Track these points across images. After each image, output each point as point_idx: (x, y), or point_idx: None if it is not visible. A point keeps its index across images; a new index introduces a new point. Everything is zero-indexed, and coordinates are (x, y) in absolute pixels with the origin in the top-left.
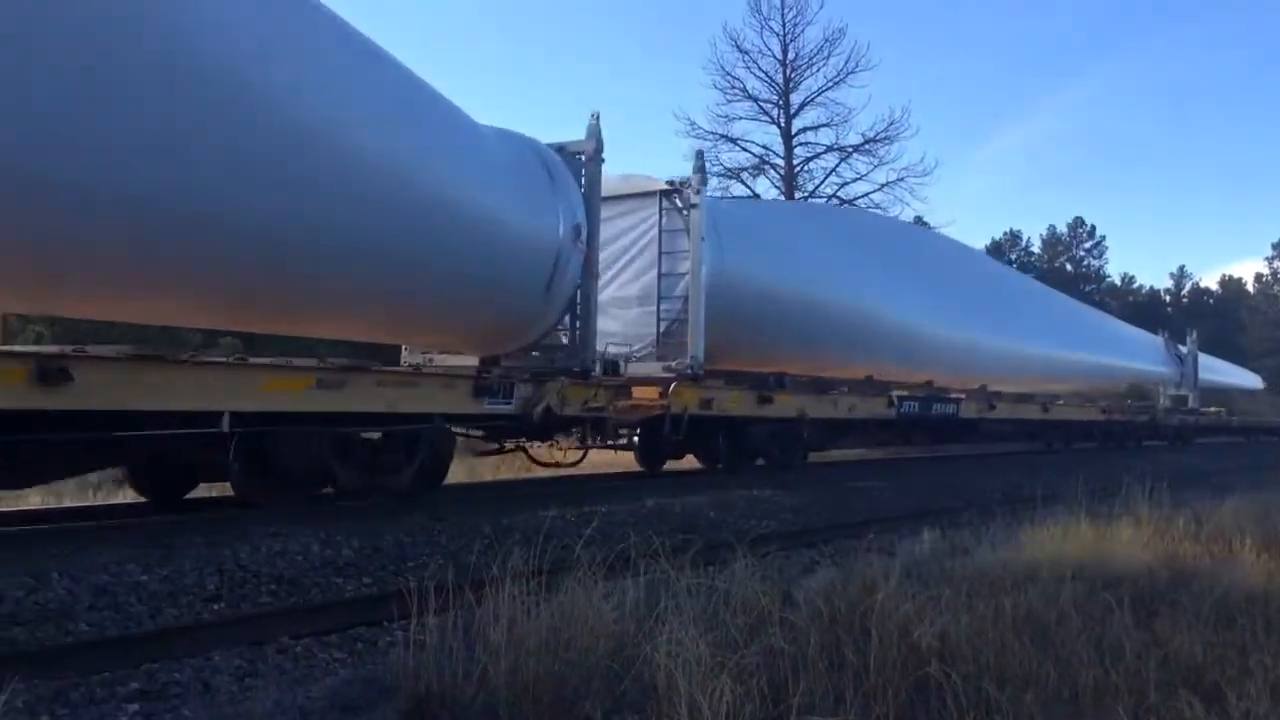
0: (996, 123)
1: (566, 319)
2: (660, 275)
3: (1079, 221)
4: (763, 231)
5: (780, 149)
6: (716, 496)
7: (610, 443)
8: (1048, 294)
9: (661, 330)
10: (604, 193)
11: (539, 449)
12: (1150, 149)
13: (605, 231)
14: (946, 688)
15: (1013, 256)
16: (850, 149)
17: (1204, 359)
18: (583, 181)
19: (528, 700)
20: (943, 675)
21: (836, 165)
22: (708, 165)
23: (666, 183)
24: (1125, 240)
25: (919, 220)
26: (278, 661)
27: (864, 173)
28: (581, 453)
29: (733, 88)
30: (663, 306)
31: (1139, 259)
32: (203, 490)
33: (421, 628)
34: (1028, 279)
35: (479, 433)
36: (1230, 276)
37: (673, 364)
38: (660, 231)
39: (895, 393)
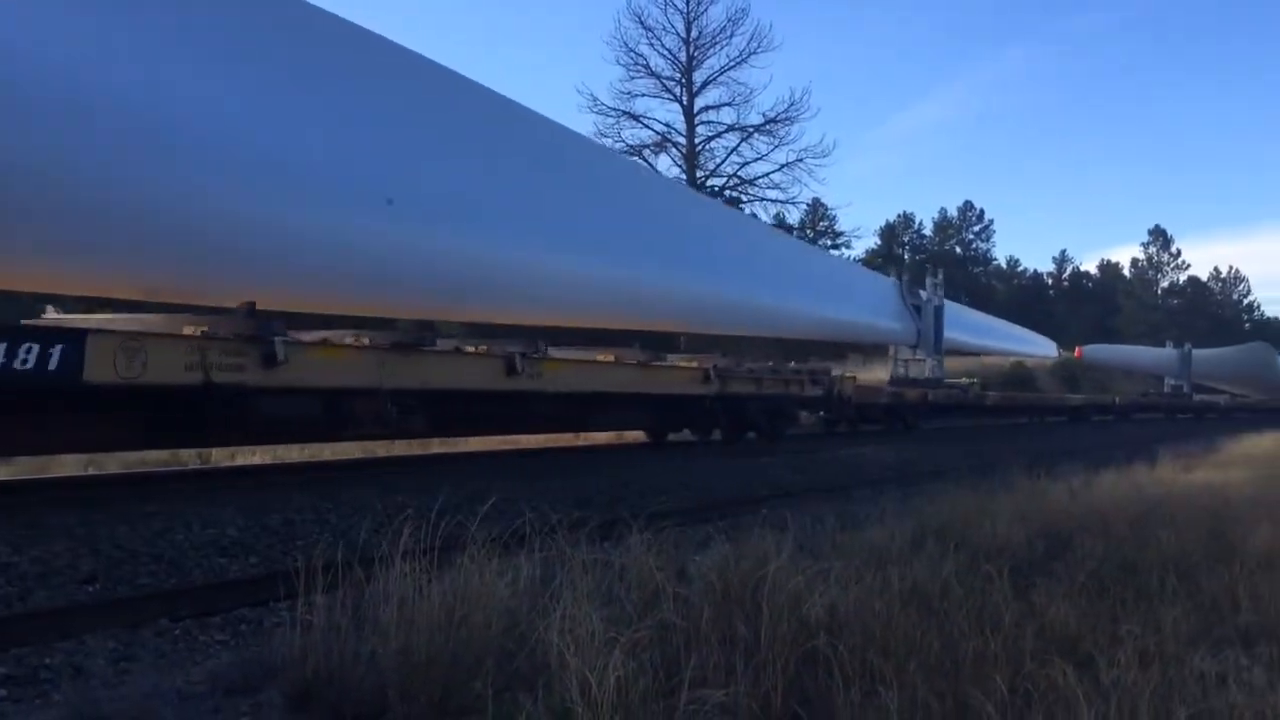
0: (894, 106)
1: None
2: None
3: (968, 205)
4: None
5: (682, 127)
6: None
7: None
8: (744, 225)
9: None
10: None
11: None
12: (1038, 135)
13: None
14: (833, 659)
15: (905, 239)
16: (751, 129)
17: (973, 317)
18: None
19: (418, 680)
20: (829, 648)
21: (738, 145)
22: (612, 142)
23: None
24: (1012, 224)
25: (816, 202)
26: (156, 644)
27: (764, 152)
28: None
29: (636, 64)
30: None
31: (1025, 243)
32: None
33: (309, 608)
34: (716, 204)
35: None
36: (1109, 261)
37: None
38: None
39: None
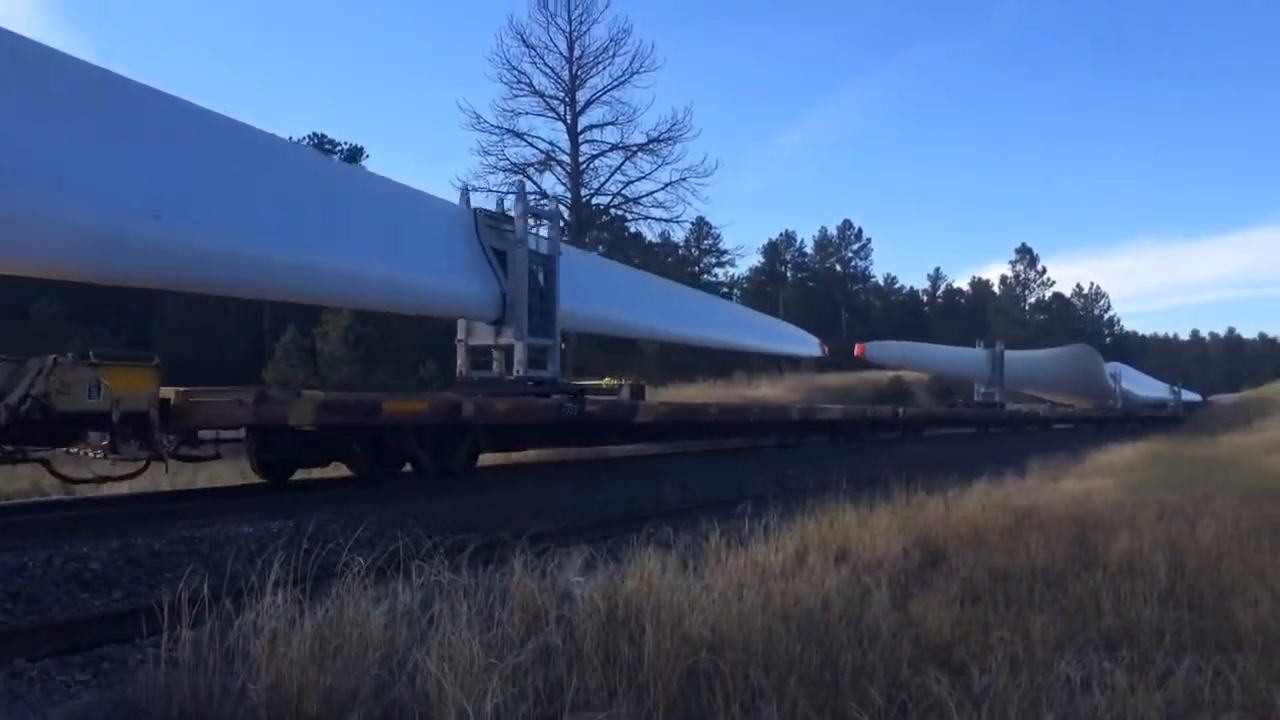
0: (777, 125)
1: None
2: None
3: (847, 224)
4: None
5: (567, 145)
6: None
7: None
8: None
9: None
10: None
11: None
12: (913, 156)
13: None
14: (715, 676)
15: (788, 257)
16: (635, 148)
17: (652, 287)
18: None
19: (289, 714)
20: (711, 665)
21: (621, 163)
22: (496, 160)
23: None
24: (890, 243)
25: (700, 220)
26: (10, 686)
27: (648, 171)
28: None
29: (519, 82)
30: None
31: (901, 261)
32: None
33: (175, 643)
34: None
35: None
36: (979, 278)
37: None
38: None
39: None
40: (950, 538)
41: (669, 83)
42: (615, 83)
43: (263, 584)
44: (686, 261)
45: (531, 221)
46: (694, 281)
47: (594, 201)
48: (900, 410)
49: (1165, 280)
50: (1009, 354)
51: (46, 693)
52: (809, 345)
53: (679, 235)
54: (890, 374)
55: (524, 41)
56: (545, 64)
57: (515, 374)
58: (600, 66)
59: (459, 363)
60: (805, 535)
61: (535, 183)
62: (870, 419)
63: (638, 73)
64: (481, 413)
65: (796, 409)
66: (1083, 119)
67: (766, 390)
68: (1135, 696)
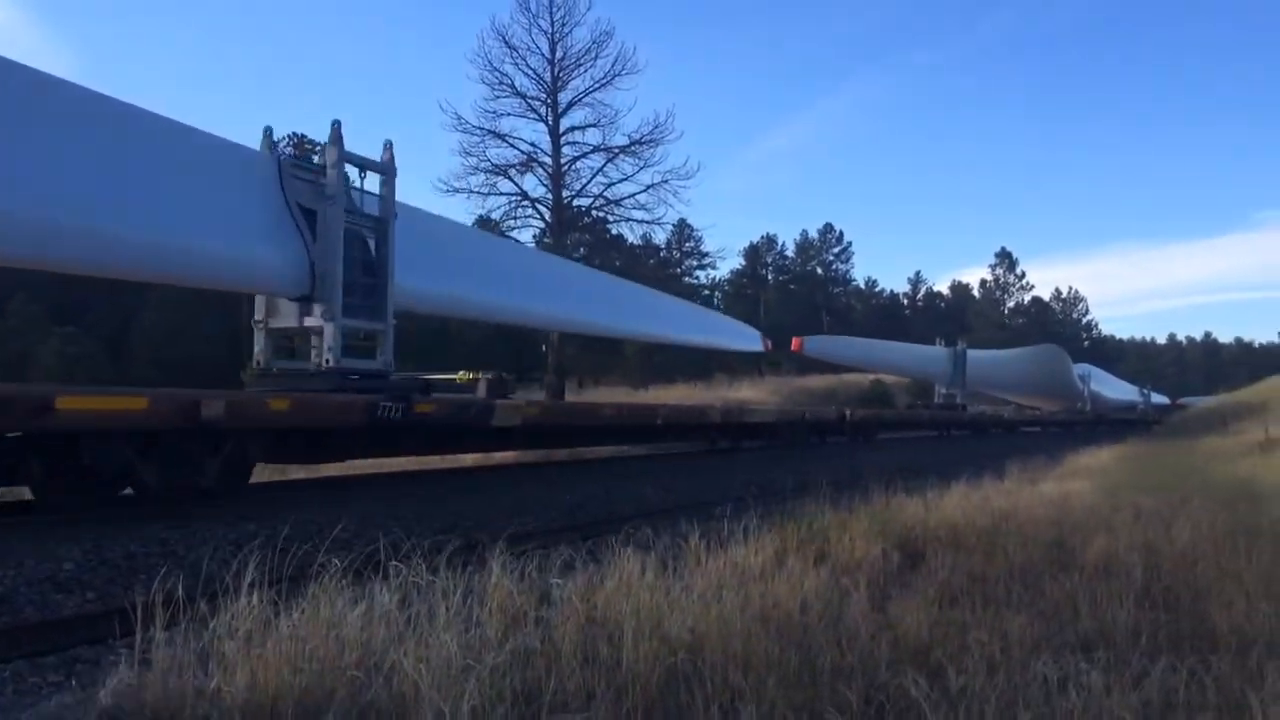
0: (761, 129)
1: None
2: None
3: (829, 227)
4: None
5: (548, 147)
6: None
7: None
8: None
9: None
10: None
11: None
12: (895, 161)
13: None
14: (694, 678)
15: (769, 259)
16: (616, 150)
17: (523, 260)
18: None
19: (265, 717)
20: (690, 666)
21: (603, 165)
22: (477, 161)
23: None
24: (871, 246)
25: (682, 223)
26: None
27: (630, 173)
28: None
29: (500, 83)
30: None
31: (882, 264)
32: None
33: (149, 644)
34: None
35: None
36: (959, 282)
37: None
38: None
39: None
40: (929, 539)
41: (652, 85)
42: (597, 85)
43: (237, 585)
44: (668, 264)
45: (359, 175)
46: (675, 283)
47: (575, 203)
48: (848, 412)
49: (1143, 285)
50: (972, 353)
51: (19, 694)
52: (751, 340)
53: (660, 238)
54: (871, 377)
55: (506, 43)
56: (527, 65)
57: (325, 364)
58: (582, 68)
59: (256, 350)
60: (785, 537)
61: (516, 183)
62: (811, 422)
63: (620, 75)
64: (241, 414)
65: (718, 411)
66: (1064, 125)
67: (747, 392)
68: (1111, 697)
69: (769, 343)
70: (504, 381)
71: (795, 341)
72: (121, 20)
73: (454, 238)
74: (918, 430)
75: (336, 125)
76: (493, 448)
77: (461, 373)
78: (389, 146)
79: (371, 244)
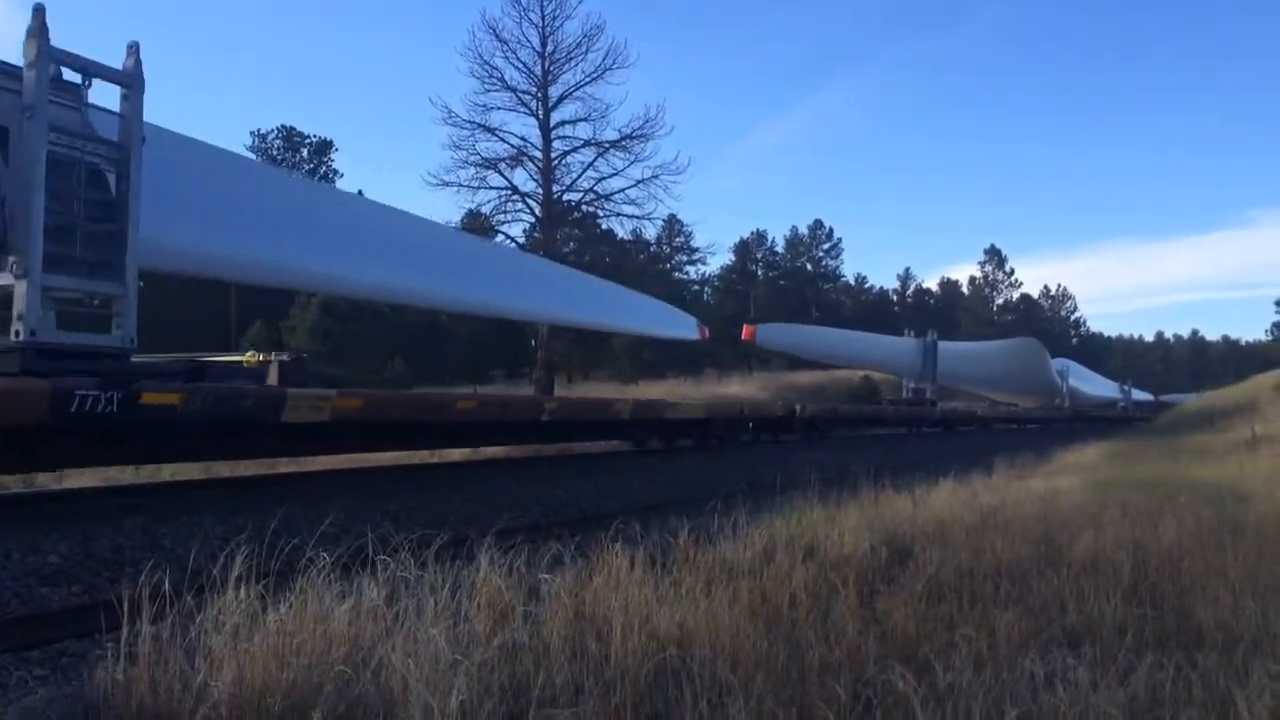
0: (750, 124)
1: None
2: None
3: (818, 224)
4: None
5: (539, 141)
6: None
7: None
8: None
9: None
10: None
11: None
12: (885, 157)
13: None
14: (683, 673)
15: (759, 255)
16: (607, 144)
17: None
18: None
19: (251, 712)
20: (679, 661)
21: (594, 160)
22: (467, 155)
23: None
24: (860, 243)
25: (672, 218)
26: None
27: (620, 168)
28: None
29: (490, 77)
30: None
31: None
32: None
33: (136, 638)
34: None
35: None
36: (948, 279)
37: None
38: None
39: None
40: (917, 535)
41: (643, 80)
42: (588, 79)
43: (224, 579)
44: (658, 259)
45: (83, 83)
46: (665, 278)
47: (565, 198)
48: (798, 408)
49: (1131, 282)
50: (943, 345)
51: (4, 688)
52: (686, 327)
53: (651, 233)
54: (861, 373)
55: (497, 36)
56: (518, 59)
57: (14, 336)
58: (573, 62)
59: None
60: (774, 532)
61: (506, 177)
62: (753, 418)
63: (610, 69)
64: None
65: (627, 408)
66: (1054, 122)
67: (735, 387)
68: (1098, 693)
69: (705, 331)
70: (301, 364)
71: (747, 330)
72: (119, 17)
73: (253, 178)
74: (885, 428)
75: (40, 11)
76: (291, 450)
77: (250, 354)
78: (134, 50)
79: (112, 181)
